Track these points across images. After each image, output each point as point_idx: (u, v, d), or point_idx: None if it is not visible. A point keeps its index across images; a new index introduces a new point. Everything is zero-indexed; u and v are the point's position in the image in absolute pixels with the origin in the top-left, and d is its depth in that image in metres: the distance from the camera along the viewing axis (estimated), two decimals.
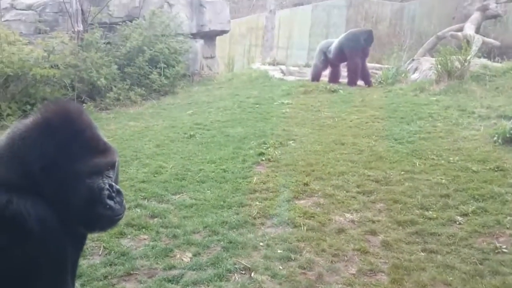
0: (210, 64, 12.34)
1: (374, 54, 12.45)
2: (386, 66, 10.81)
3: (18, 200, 1.49)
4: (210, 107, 8.15)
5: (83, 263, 3.14)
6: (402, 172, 4.62)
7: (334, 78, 10.12)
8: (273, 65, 13.32)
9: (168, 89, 9.73)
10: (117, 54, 9.47)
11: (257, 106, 7.88)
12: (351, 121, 6.59)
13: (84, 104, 8.50)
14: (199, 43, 11.44)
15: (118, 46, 9.64)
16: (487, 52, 10.54)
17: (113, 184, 1.67)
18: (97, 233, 1.94)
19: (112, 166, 1.69)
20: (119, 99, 8.76)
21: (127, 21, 10.07)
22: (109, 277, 3.00)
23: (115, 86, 8.87)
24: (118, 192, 1.66)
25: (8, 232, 1.51)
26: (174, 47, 10.06)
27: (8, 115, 7.15)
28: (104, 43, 9.48)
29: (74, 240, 1.76)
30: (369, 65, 10.44)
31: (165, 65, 9.76)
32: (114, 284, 2.93)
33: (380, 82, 9.47)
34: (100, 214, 1.63)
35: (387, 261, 3.17)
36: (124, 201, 1.67)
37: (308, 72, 11.28)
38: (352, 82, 9.57)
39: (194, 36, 11.36)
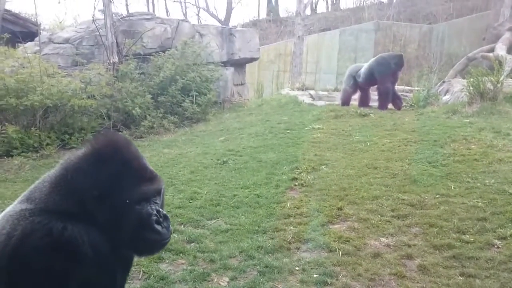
0: (240, 90, 12.58)
1: (403, 76, 12.44)
2: (416, 88, 10.77)
3: (72, 227, 1.61)
4: (242, 133, 8.28)
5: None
6: (437, 196, 4.58)
7: (364, 102, 10.15)
8: (302, 90, 13.45)
9: (200, 116, 9.96)
10: (150, 83, 9.80)
11: (288, 131, 7.97)
12: (383, 144, 6.58)
13: (119, 133, 8.77)
14: (229, 71, 11.72)
15: (152, 76, 9.99)
16: None
17: (160, 209, 1.77)
18: (146, 256, 2.03)
19: (158, 192, 1.79)
20: (153, 127, 9.02)
21: (160, 52, 10.44)
22: None
23: (149, 115, 9.15)
24: (165, 217, 1.75)
25: (63, 257, 1.62)
26: (205, 76, 10.34)
27: (47, 144, 7.46)
28: (138, 73, 9.84)
29: (122, 264, 1.86)
30: (398, 87, 10.44)
31: (197, 93, 10.03)
32: None
33: (411, 105, 9.44)
34: (149, 238, 1.72)
35: (424, 286, 3.14)
36: (170, 225, 1.77)
37: (338, 97, 11.35)
38: (383, 106, 9.57)
39: (225, 64, 11.65)
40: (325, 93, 12.91)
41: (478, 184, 4.75)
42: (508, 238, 3.68)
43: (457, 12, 18.91)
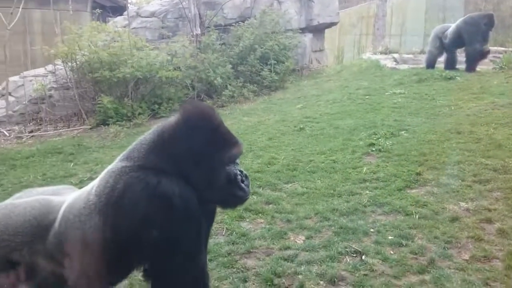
0: (319, 57, 12.46)
1: (496, 37, 11.55)
2: (511, 49, 9.98)
3: (166, 182, 1.88)
4: (319, 100, 8.31)
5: (210, 241, 3.53)
6: None
7: (450, 64, 9.64)
8: (385, 53, 13.01)
9: (278, 84, 10.07)
10: (231, 53, 10.04)
11: (367, 97, 7.86)
12: (468, 109, 6.29)
13: (204, 103, 9.18)
14: (308, 37, 11.62)
15: (232, 46, 10.22)
16: None
17: (242, 169, 2.04)
18: (229, 209, 2.36)
19: (240, 155, 2.08)
20: (233, 96, 9.30)
21: (239, 22, 10.61)
22: (232, 254, 3.35)
23: (229, 84, 9.44)
24: (246, 177, 2.04)
25: (157, 207, 1.89)
26: (284, 43, 10.36)
27: (139, 113, 8.02)
28: (219, 44, 10.10)
29: (207, 217, 2.12)
30: (491, 48, 9.75)
31: (275, 62, 10.11)
32: (237, 260, 3.26)
33: (501, 67, 8.79)
34: (235, 194, 2.01)
35: (502, 248, 3.10)
36: (249, 184, 2.05)
37: (423, 60, 10.85)
38: (471, 68, 9.05)
39: (303, 30, 11.56)
40: (410, 56, 12.39)
41: None
42: None
43: None
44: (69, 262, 2.04)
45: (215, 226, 3.76)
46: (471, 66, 9.08)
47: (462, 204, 3.80)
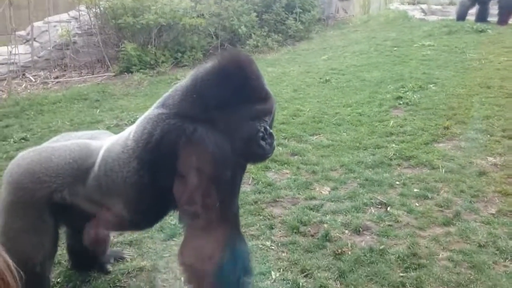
0: (345, 6, 12.08)
1: None
2: None
3: (201, 129, 1.89)
4: (345, 52, 8.14)
5: None
6: None
7: (482, 17, 9.25)
8: (413, 4, 12.55)
9: (303, 34, 9.86)
10: (255, 1, 9.79)
11: (395, 49, 7.67)
12: (499, 63, 6.11)
13: (244, 52, 9.07)
14: None
15: None
16: None
17: (267, 128, 1.98)
18: (250, 164, 2.34)
19: (270, 112, 2.02)
20: (257, 46, 9.16)
21: None
22: (259, 203, 3.43)
23: (254, 33, 9.27)
24: (271, 135, 1.98)
25: (195, 153, 1.92)
26: None
27: (162, 62, 7.99)
28: None
29: (239, 164, 2.14)
30: None
31: (300, 10, 9.86)
32: (264, 208, 3.34)
33: None
34: (253, 151, 1.98)
35: None
36: (274, 143, 1.99)
37: (453, 11, 10.44)
38: (503, 21, 8.67)
39: None
40: (439, 7, 11.91)
41: None
42: None
43: None
44: (107, 204, 2.13)
45: None
46: (503, 19, 8.70)
47: (490, 158, 3.77)
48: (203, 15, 8.66)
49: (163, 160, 1.93)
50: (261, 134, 1.94)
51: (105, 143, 2.19)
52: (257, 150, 1.96)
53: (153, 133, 1.94)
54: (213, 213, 2.01)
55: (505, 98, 4.90)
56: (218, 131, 1.92)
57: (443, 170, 3.67)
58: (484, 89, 5.22)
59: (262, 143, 1.95)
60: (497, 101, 4.84)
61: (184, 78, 2.09)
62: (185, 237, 2.08)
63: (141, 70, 7.59)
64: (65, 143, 2.21)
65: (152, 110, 2.06)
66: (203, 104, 1.94)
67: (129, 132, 2.09)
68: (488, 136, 4.14)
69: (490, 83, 5.38)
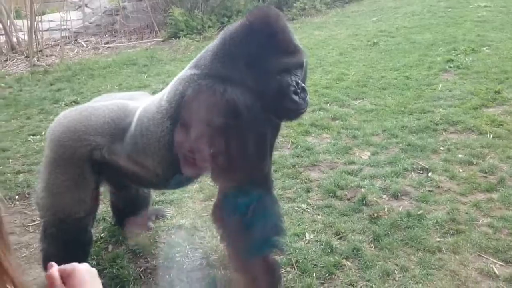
0: None
1: None
2: None
3: (231, 89, 1.90)
4: (397, 13, 7.81)
5: (275, 153, 3.63)
6: None
7: None
8: None
9: None
10: None
11: (449, 10, 7.28)
12: None
13: (272, 8, 8.92)
14: None
15: None
16: None
17: (299, 81, 1.93)
18: (285, 121, 2.26)
19: (300, 66, 1.95)
20: (304, 9, 8.97)
21: None
22: (297, 166, 3.44)
23: None
24: (303, 89, 1.92)
25: (224, 112, 1.94)
26: None
27: (209, 26, 8.02)
28: None
29: (271, 125, 2.14)
30: None
31: None
32: (301, 172, 3.36)
33: None
34: (286, 106, 1.93)
35: None
36: (307, 97, 1.93)
37: None
38: None
39: None
40: None
41: None
42: None
43: None
44: (143, 163, 2.21)
45: (280, 140, 3.84)
46: None
47: None
48: None
49: (195, 121, 1.97)
50: (293, 88, 1.90)
51: (142, 103, 2.25)
52: (290, 105, 1.91)
53: (184, 93, 1.98)
54: (244, 172, 2.04)
55: None
56: (249, 89, 1.91)
57: (491, 136, 3.51)
58: None
59: (295, 97, 1.90)
60: None
61: None
62: (218, 196, 2.13)
63: (188, 35, 7.67)
64: (105, 103, 2.30)
65: (185, 71, 2.09)
66: (233, 63, 1.93)
67: (164, 93, 2.14)
68: None
69: None
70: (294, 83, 1.90)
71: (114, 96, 2.49)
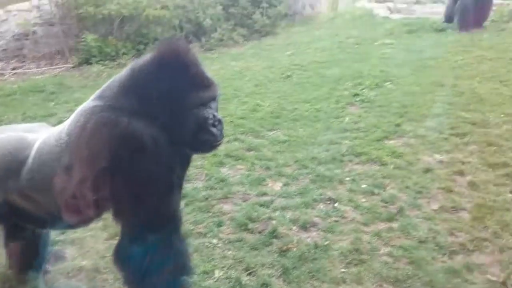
0: (312, 3, 12.14)
1: None
2: (507, 2, 9.71)
3: (136, 122, 1.84)
4: (309, 48, 8.19)
5: (187, 186, 3.60)
6: (502, 115, 4.42)
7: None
8: (380, 2, 12.70)
9: (269, 29, 9.87)
10: None
11: (356, 46, 7.77)
12: (455, 61, 6.27)
13: (190, 44, 9.00)
14: None
15: None
16: None
17: (215, 114, 1.96)
18: (200, 154, 2.27)
19: (214, 98, 1.98)
20: (222, 40, 9.12)
21: None
22: (209, 199, 3.42)
23: (219, 27, 9.23)
24: (219, 121, 1.95)
25: (127, 146, 1.87)
26: None
27: (123, 53, 7.85)
28: None
29: (180, 159, 2.09)
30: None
31: (267, 5, 9.86)
32: (213, 205, 3.34)
33: (493, 20, 8.55)
34: (204, 139, 1.94)
35: (471, 200, 3.20)
36: (223, 129, 1.96)
37: (418, 10, 10.62)
38: (463, 27, 8.21)
39: None
40: (404, 5, 12.10)
41: None
42: None
43: None
44: (40, 200, 2.07)
45: (194, 171, 3.82)
46: (463, 25, 8.20)
47: (437, 156, 3.87)
48: (167, 6, 8.55)
49: (96, 155, 1.88)
50: (210, 121, 1.92)
51: (41, 136, 2.13)
52: (207, 137, 1.93)
53: (85, 126, 1.89)
54: (149, 211, 1.98)
55: (457, 97, 5.03)
56: (158, 123, 1.87)
57: (392, 166, 3.74)
58: (438, 87, 5.35)
59: (213, 129, 1.92)
60: (449, 99, 4.96)
61: None
62: (120, 236, 2.04)
63: (101, 62, 7.46)
64: (1, 136, 2.15)
65: (88, 102, 2.01)
66: (141, 96, 1.88)
67: (64, 125, 2.04)
68: (437, 133, 4.24)
69: (444, 81, 5.51)
70: (211, 116, 1.92)
71: (11, 128, 2.33)
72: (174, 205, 2.10)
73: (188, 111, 1.89)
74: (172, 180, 2.01)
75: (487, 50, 6.53)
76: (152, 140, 1.86)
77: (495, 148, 3.85)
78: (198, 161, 4.06)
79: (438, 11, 10.37)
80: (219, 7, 9.38)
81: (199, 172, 3.89)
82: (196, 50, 8.52)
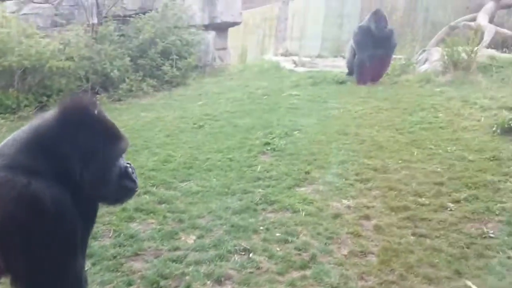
0: (222, 55, 12.50)
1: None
2: (399, 57, 10.75)
3: (36, 183, 1.74)
4: (220, 98, 8.34)
5: (94, 244, 3.40)
6: (400, 161, 4.77)
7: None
8: (286, 56, 13.41)
9: (179, 80, 9.93)
10: (130, 46, 9.70)
11: (265, 97, 8.06)
12: (355, 112, 6.72)
13: (98, 95, 8.77)
14: (211, 35, 11.59)
15: (131, 38, 9.86)
16: (501, 42, 10.45)
17: (129, 163, 2.03)
18: (118, 205, 2.28)
19: (125, 150, 2.03)
20: (131, 90, 9.01)
21: (140, 14, 10.26)
22: (118, 257, 3.24)
23: (128, 78, 9.12)
24: (133, 169, 2.04)
25: (26, 209, 1.75)
26: (186, 39, 10.24)
27: (25, 106, 7.45)
28: (117, 35, 9.69)
29: (85, 218, 2.01)
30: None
31: (177, 57, 9.96)
32: (123, 264, 3.16)
33: (387, 74, 9.40)
34: (127, 186, 1.99)
35: (377, 244, 3.36)
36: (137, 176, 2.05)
37: (320, 63, 11.32)
38: (361, 80, 8.58)
39: (206, 27, 11.50)
40: (308, 59, 12.90)
41: (440, 151, 4.95)
42: (462, 201, 3.90)
43: None
44: None
45: (101, 228, 3.63)
46: (361, 78, 8.58)
47: (344, 201, 4.05)
48: (72, 58, 8.31)
49: None
50: (130, 169, 1.99)
51: None
52: (130, 184, 1.99)
53: None
54: (50, 277, 1.84)
55: (359, 144, 5.36)
56: (61, 182, 1.80)
57: (303, 214, 3.84)
58: (342, 136, 5.67)
59: (133, 176, 2.00)
60: (352, 147, 5.27)
61: None
62: None
63: (1, 115, 6.99)
64: None
65: None
66: (48, 155, 1.82)
67: None
68: (343, 180, 4.46)
69: (347, 130, 5.87)
70: (127, 164, 1.99)
71: None
72: (76, 269, 1.97)
73: (108, 163, 1.91)
74: (74, 242, 1.92)
75: (382, 101, 7.10)
76: (54, 202, 1.77)
77: (395, 192, 4.12)
78: (105, 217, 3.87)
79: (338, 64, 11.22)
80: (127, 59, 9.32)
81: (107, 228, 3.70)
82: (103, 101, 8.35)
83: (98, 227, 3.66)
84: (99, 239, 3.53)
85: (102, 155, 1.87)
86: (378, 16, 8.41)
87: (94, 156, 1.85)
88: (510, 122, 5.15)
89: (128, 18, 10.21)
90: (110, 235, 3.58)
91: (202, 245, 3.44)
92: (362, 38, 8.56)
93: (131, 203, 4.13)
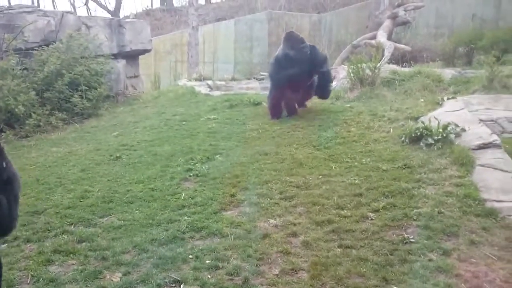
0: (134, 83, 12.25)
1: None
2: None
3: None
4: (136, 127, 8.13)
5: None
6: (320, 176, 4.94)
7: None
8: (200, 80, 13.41)
9: (91, 111, 9.57)
10: (34, 79, 9.21)
11: (183, 123, 7.98)
12: (273, 131, 6.87)
13: (2, 133, 8.18)
14: (121, 63, 11.35)
15: (36, 71, 9.37)
16: (401, 57, 11.30)
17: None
18: None
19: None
20: (39, 126, 8.52)
21: (43, 46, 9.80)
22: None
23: (34, 113, 8.62)
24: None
25: None
26: (95, 69, 9.94)
27: None
28: (20, 69, 9.20)
29: None
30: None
31: (86, 88, 9.61)
32: None
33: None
34: None
35: (307, 260, 3.42)
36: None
37: (235, 86, 11.47)
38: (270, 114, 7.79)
39: (116, 56, 11.26)
40: (222, 83, 13.01)
41: (356, 163, 5.20)
42: (381, 210, 4.10)
43: (343, 1, 19.99)
44: None
45: (17, 274, 3.41)
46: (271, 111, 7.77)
47: (271, 221, 4.09)
48: None
49: None
50: None
51: None
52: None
53: None
54: None
55: (280, 163, 5.47)
56: None
57: (232, 237, 3.81)
58: (263, 156, 5.75)
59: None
60: (274, 167, 5.36)
61: None
62: None
63: None
64: None
65: None
66: None
67: None
68: (268, 199, 4.51)
69: (267, 150, 5.96)
70: None
71: None
72: None
73: None
74: None
75: (298, 119, 7.34)
76: None
77: (319, 207, 4.24)
78: (21, 262, 3.60)
79: (253, 86, 11.48)
80: (32, 93, 8.83)
81: (24, 274, 3.44)
82: (8, 139, 7.78)
83: (13, 274, 3.37)
84: (17, 286, 3.25)
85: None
86: (292, 38, 7.54)
87: None
88: (417, 131, 5.54)
89: (30, 51, 9.70)
90: (28, 281, 3.32)
91: (129, 282, 3.29)
92: (277, 70, 7.61)
93: (47, 245, 3.88)
